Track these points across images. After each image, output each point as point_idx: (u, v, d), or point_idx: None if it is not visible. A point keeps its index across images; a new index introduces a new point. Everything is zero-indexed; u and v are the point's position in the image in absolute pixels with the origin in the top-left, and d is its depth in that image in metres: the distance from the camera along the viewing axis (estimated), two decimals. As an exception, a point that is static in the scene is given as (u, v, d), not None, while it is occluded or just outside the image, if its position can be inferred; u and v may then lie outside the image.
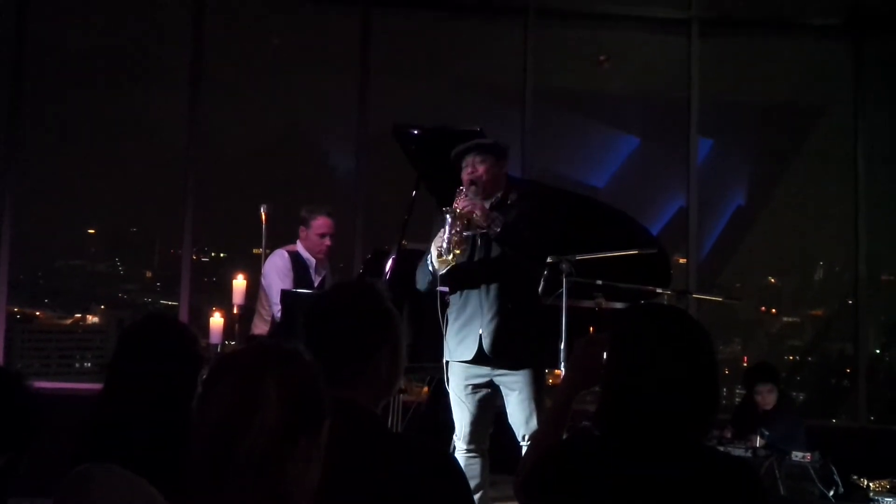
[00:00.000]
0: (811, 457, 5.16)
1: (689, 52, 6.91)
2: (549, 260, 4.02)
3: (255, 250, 5.43)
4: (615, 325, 1.94)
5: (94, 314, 7.44)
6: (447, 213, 3.79)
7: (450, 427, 4.06)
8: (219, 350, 4.59)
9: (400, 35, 7.09)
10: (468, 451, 3.95)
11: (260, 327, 5.14)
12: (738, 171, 7.67)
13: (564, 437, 2.11)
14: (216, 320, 4.70)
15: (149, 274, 7.57)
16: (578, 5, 7.02)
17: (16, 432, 1.83)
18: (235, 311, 4.85)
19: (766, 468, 5.06)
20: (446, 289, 4.00)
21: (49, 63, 6.84)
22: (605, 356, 1.93)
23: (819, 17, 7.07)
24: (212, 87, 6.77)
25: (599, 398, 1.89)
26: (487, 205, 3.89)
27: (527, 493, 1.97)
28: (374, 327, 1.95)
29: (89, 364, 7.32)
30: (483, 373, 3.91)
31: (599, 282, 4.43)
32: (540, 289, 4.07)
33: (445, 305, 4.00)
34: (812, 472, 5.15)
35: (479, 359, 3.88)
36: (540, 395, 3.88)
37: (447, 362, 3.99)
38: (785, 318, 7.87)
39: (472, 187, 3.88)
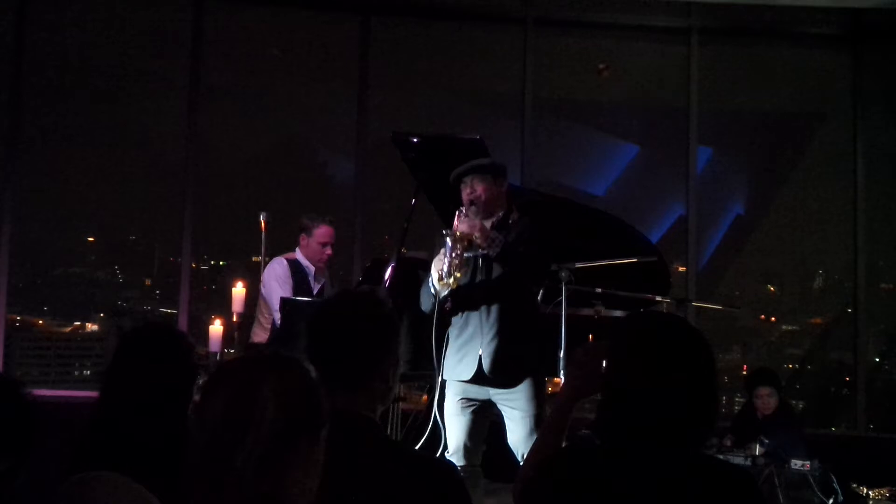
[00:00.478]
0: (811, 465, 5.14)
1: (688, 61, 6.93)
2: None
3: (254, 258, 5.43)
4: (614, 334, 1.94)
5: (94, 322, 7.43)
6: (447, 235, 3.81)
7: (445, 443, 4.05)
8: (218, 358, 4.58)
9: (399, 44, 7.10)
10: (462, 468, 3.93)
11: (259, 335, 5.13)
12: (738, 179, 7.67)
13: (564, 445, 2.11)
14: (216, 328, 4.68)
15: (148, 282, 7.56)
16: (577, 14, 7.03)
17: (15, 440, 1.82)
18: (235, 318, 4.85)
19: (766, 476, 5.05)
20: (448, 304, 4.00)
21: (48, 72, 6.86)
22: (604, 364, 1.93)
23: (818, 27, 7.09)
24: (211, 95, 6.79)
25: (599, 406, 1.89)
26: (489, 224, 3.90)
27: (526, 500, 1.97)
28: (378, 336, 1.97)
29: (88, 372, 7.31)
30: (481, 392, 3.92)
31: (599, 290, 4.43)
32: (539, 297, 4.06)
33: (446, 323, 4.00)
34: (811, 480, 5.14)
35: (478, 378, 3.88)
36: (540, 411, 3.87)
37: (443, 381, 3.98)
38: (784, 327, 7.86)
39: (472, 207, 3.90)
